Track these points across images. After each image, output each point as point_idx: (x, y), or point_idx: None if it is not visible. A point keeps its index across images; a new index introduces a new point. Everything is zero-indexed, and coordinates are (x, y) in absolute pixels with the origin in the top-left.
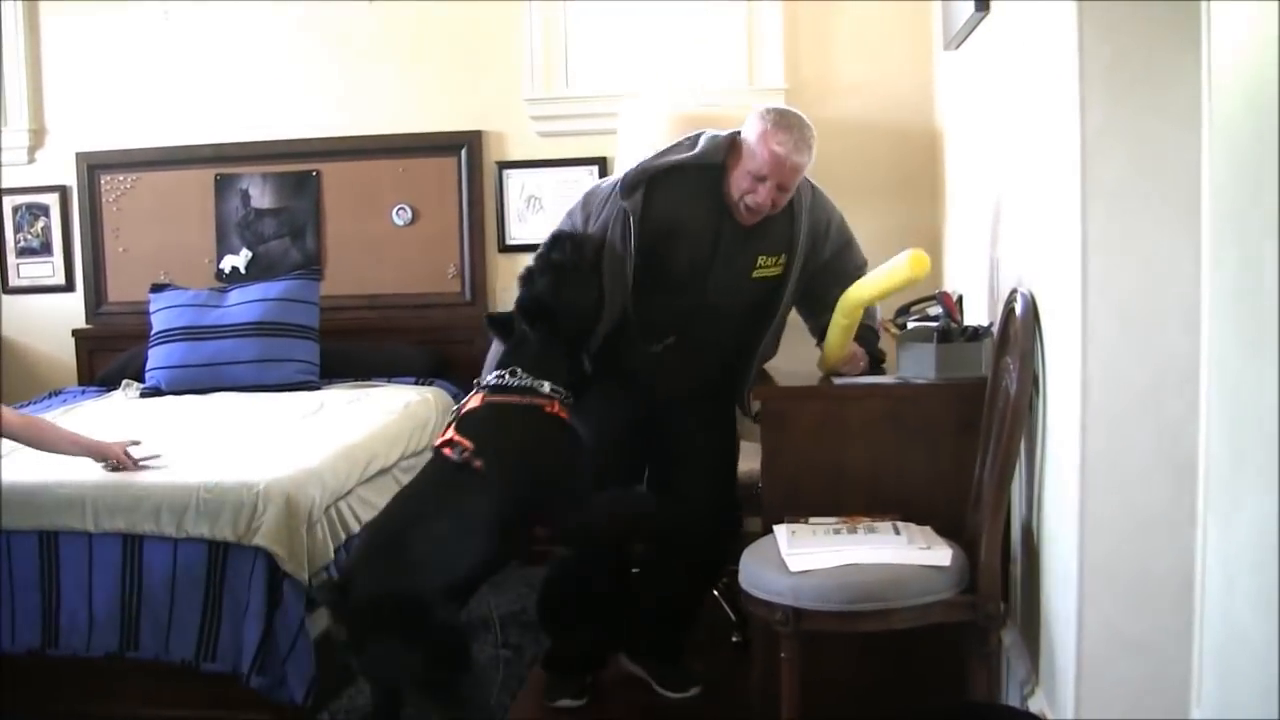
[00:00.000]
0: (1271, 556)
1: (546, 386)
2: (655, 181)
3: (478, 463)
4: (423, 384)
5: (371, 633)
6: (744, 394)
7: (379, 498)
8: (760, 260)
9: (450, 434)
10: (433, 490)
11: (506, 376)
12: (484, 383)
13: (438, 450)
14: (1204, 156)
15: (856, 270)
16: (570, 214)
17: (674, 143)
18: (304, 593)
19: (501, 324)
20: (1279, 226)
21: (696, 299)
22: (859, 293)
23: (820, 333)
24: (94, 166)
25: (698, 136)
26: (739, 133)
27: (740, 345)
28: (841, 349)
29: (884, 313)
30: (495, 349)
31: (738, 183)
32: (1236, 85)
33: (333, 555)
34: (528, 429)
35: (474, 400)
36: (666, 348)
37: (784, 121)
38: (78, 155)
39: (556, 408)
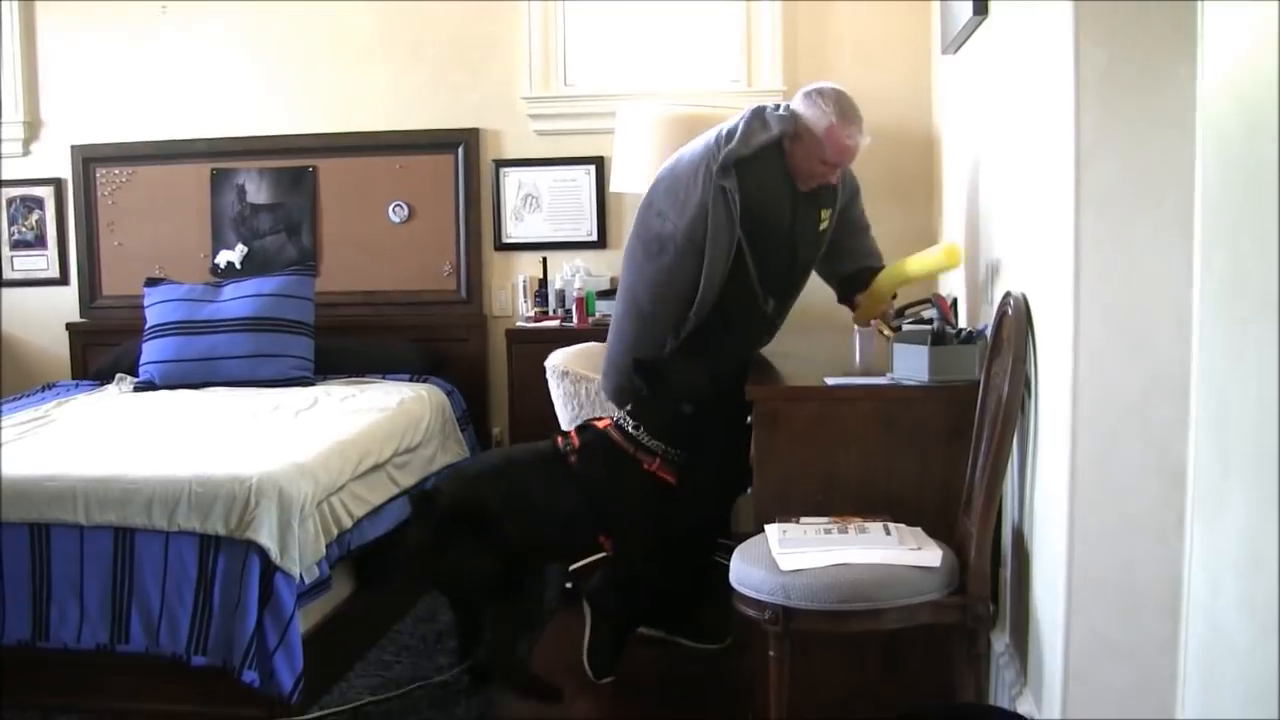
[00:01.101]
0: (1255, 561)
1: (657, 445)
2: (742, 163)
3: (574, 458)
4: (417, 381)
5: (452, 538)
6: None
7: (371, 493)
8: (822, 214)
9: (570, 431)
10: (533, 457)
11: (630, 424)
12: (617, 419)
13: (555, 434)
14: (1197, 163)
15: (861, 215)
16: (656, 210)
17: (736, 124)
18: (295, 586)
19: (645, 370)
20: (1271, 234)
21: (790, 261)
22: (904, 269)
23: (842, 285)
24: (89, 160)
25: (762, 115)
26: (795, 113)
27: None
28: (878, 306)
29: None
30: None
31: (808, 165)
32: (1227, 91)
33: (324, 550)
34: (622, 472)
35: (601, 422)
36: (774, 309)
37: (846, 112)
38: (73, 148)
39: (657, 465)
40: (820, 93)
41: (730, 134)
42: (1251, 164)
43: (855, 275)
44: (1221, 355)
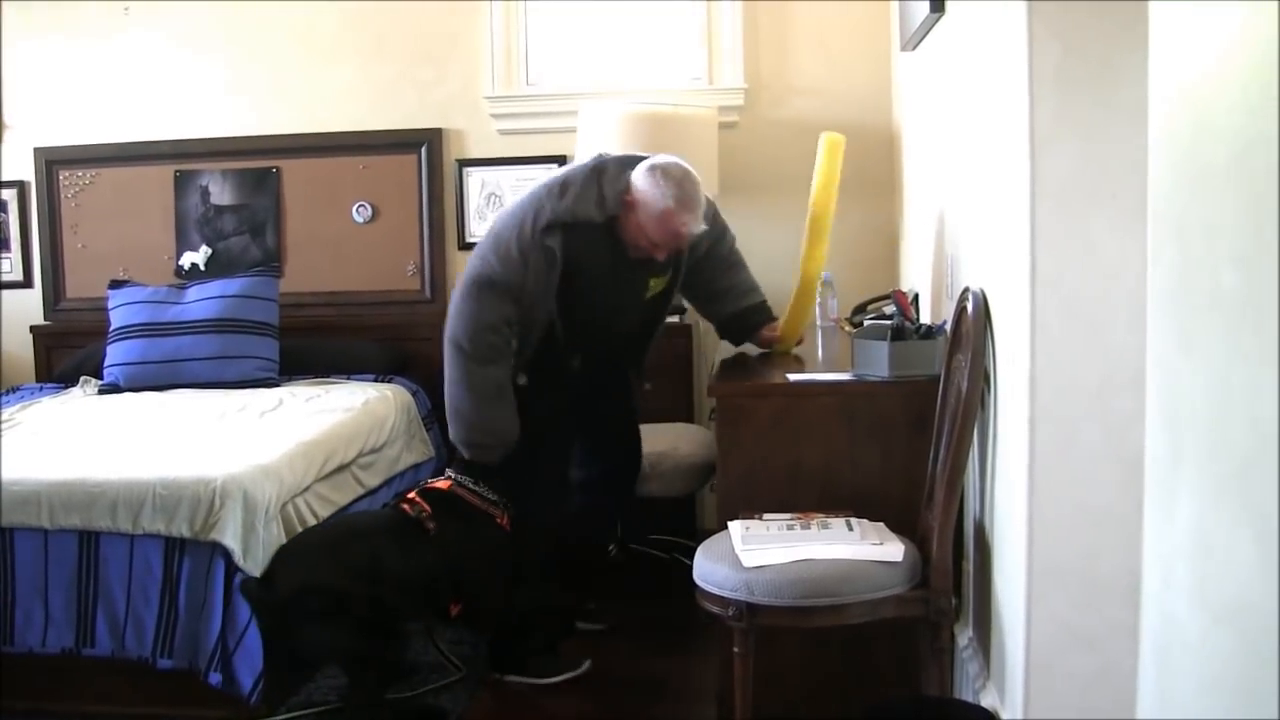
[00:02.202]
0: (1205, 550)
1: (497, 499)
2: (567, 226)
3: (432, 525)
4: (382, 381)
5: (297, 620)
6: (640, 370)
7: (337, 494)
8: (651, 283)
9: (413, 496)
10: (381, 525)
11: (471, 483)
12: (456, 479)
13: (396, 503)
14: (1149, 158)
15: (731, 252)
16: (480, 254)
17: (577, 178)
18: None
19: None
20: (1219, 230)
21: (604, 322)
22: (812, 252)
23: (722, 325)
24: (52, 162)
25: (600, 180)
26: (631, 184)
27: (635, 345)
28: (802, 324)
29: (840, 310)
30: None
31: (637, 239)
32: (1174, 89)
33: None
34: (479, 531)
35: (441, 484)
36: (582, 360)
37: (685, 199)
38: (36, 150)
39: (505, 520)
40: (665, 172)
41: (563, 190)
42: (1198, 162)
43: (744, 314)
44: (1173, 347)
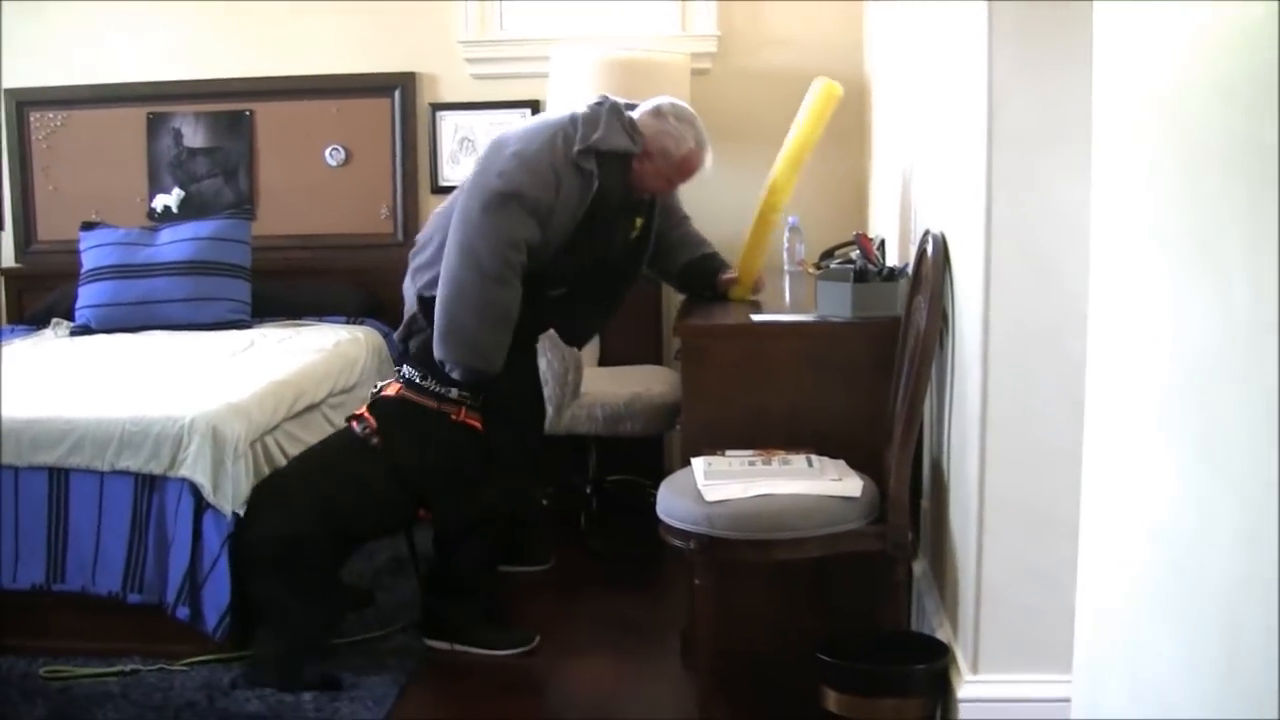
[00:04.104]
0: (1136, 476)
1: (454, 393)
2: (600, 155)
3: (376, 440)
4: (354, 323)
5: (257, 569)
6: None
7: (306, 433)
8: (636, 222)
9: (362, 411)
10: (336, 454)
11: (419, 378)
12: (405, 378)
13: (347, 422)
14: (1094, 101)
15: (680, 204)
16: (497, 170)
17: (599, 113)
18: (225, 524)
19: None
20: (1159, 168)
21: (596, 260)
22: (779, 184)
23: (680, 276)
24: (23, 104)
25: (620, 116)
26: (644, 134)
27: (609, 295)
28: (758, 262)
29: (808, 256)
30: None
31: (654, 182)
32: (1117, 30)
33: None
34: (431, 433)
35: (390, 389)
36: (560, 295)
37: (702, 138)
38: (6, 92)
39: (464, 414)
40: (678, 115)
41: (590, 121)
42: (1139, 106)
43: (700, 262)
44: (1113, 287)
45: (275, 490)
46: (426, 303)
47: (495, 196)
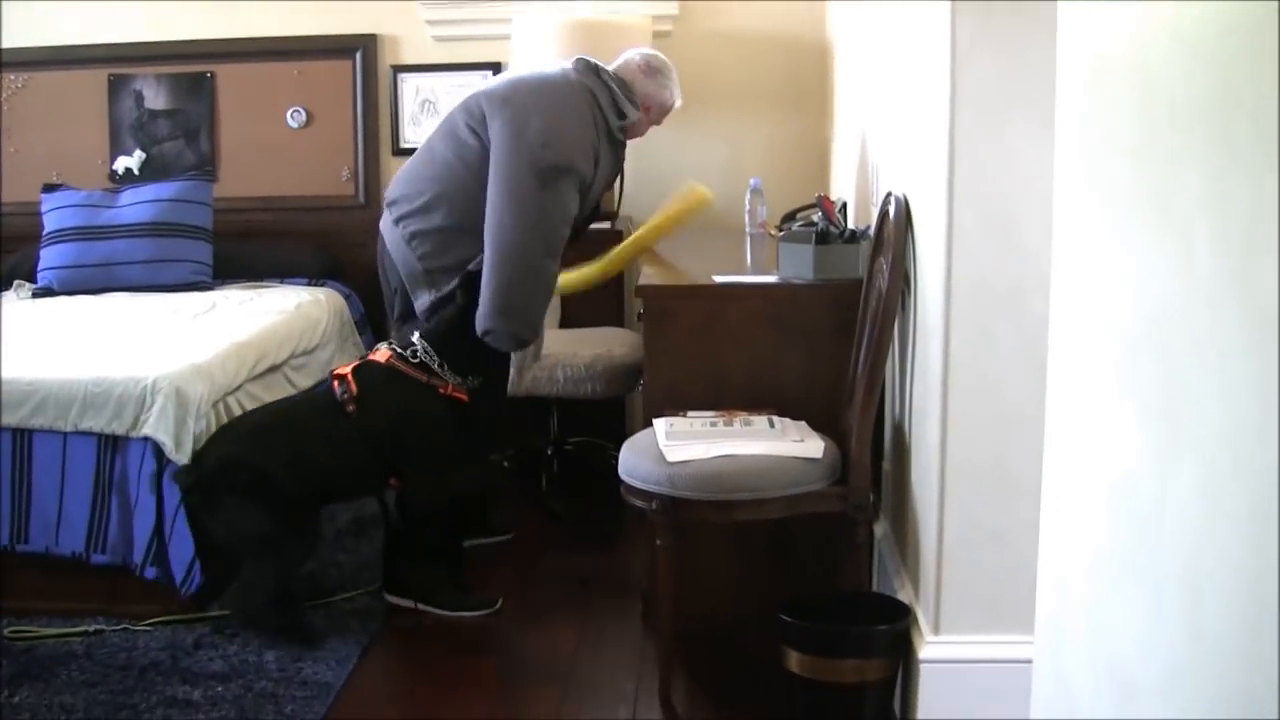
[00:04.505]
0: (1095, 429)
1: (447, 370)
2: (624, 130)
3: (351, 407)
4: (315, 285)
5: (216, 496)
6: None
7: (268, 394)
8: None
9: (346, 373)
10: (311, 410)
11: (422, 353)
12: (395, 346)
13: (330, 379)
14: (1057, 59)
15: None
16: (541, 141)
17: (610, 84)
18: None
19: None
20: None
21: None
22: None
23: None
24: None
25: (619, 84)
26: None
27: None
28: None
29: (770, 218)
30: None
31: (637, 131)
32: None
33: None
34: (414, 407)
35: (380, 354)
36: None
37: (678, 86)
38: None
39: (450, 389)
40: (662, 70)
41: (611, 92)
42: (1100, 62)
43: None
44: (1073, 244)
45: (247, 426)
46: (473, 276)
47: (550, 170)
